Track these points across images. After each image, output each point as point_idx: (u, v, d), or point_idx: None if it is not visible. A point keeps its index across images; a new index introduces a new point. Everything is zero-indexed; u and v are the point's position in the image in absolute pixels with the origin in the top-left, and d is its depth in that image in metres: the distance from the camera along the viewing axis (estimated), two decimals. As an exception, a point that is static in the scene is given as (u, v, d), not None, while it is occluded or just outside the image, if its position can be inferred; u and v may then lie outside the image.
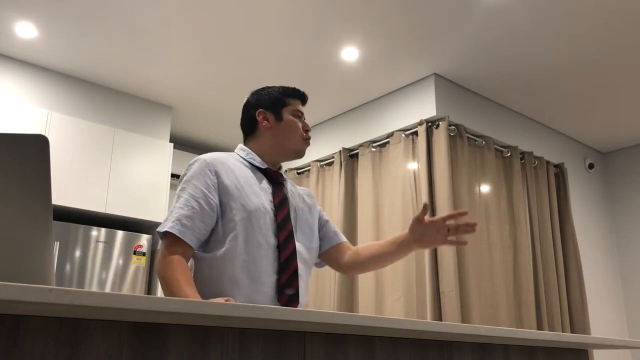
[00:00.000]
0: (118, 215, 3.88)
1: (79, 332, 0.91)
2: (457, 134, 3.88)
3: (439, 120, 3.81)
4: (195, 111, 4.57)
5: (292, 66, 3.83)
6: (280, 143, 1.70)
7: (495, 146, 4.18)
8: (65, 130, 3.79)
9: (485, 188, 3.99)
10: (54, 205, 3.62)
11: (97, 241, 3.71)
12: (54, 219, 3.68)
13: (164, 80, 4.08)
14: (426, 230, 1.64)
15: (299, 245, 1.63)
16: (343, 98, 4.28)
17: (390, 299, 3.68)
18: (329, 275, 4.20)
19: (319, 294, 4.26)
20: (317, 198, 4.52)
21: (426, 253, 3.53)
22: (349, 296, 4.00)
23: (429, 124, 3.87)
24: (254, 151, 1.71)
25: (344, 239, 1.83)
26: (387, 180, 4.01)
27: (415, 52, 3.64)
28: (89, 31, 3.47)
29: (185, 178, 1.58)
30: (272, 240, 1.57)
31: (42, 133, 3.71)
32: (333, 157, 4.48)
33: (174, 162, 4.47)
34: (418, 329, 1.22)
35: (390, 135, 4.08)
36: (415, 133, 3.94)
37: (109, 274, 3.71)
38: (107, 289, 3.69)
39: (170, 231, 1.48)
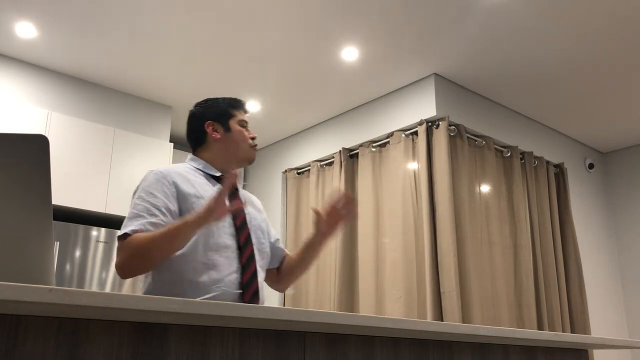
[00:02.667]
0: (118, 215, 3.88)
1: (79, 332, 0.91)
2: (457, 134, 3.88)
3: (439, 120, 3.81)
4: (195, 111, 4.56)
5: (292, 66, 3.83)
6: (230, 152, 1.77)
7: (495, 146, 4.18)
8: (65, 130, 3.79)
9: (485, 188, 3.99)
10: (54, 205, 3.62)
11: (97, 241, 3.70)
12: (54, 219, 3.68)
13: (164, 80, 4.08)
14: (326, 222, 1.73)
15: (254, 247, 1.71)
16: (343, 98, 4.28)
17: (391, 299, 3.68)
18: (329, 275, 4.20)
19: (319, 294, 4.26)
20: (317, 198, 4.52)
21: (426, 253, 3.53)
22: (349, 296, 4.00)
23: (429, 124, 3.87)
24: (205, 161, 1.78)
25: (284, 255, 1.90)
26: (387, 180, 4.01)
27: (415, 52, 3.64)
28: (89, 31, 3.47)
29: (142, 187, 1.62)
30: (232, 242, 1.64)
31: (42, 133, 3.71)
32: (333, 157, 4.48)
33: (174, 162, 4.47)
34: (418, 329, 1.22)
35: (390, 135, 4.08)
36: (415, 133, 3.94)
37: (109, 274, 3.71)
38: (107, 289, 3.69)
39: (138, 229, 1.52)
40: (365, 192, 4.13)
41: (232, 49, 3.63)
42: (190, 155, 1.81)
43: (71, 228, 3.62)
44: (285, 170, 4.92)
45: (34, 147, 0.87)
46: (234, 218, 1.68)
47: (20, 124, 3.60)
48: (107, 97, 4.19)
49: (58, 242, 3.52)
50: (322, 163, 4.61)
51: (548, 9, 3.18)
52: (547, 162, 4.56)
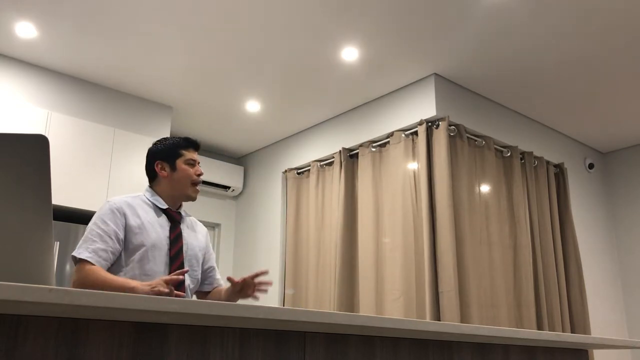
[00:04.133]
0: (118, 215, 3.87)
1: (79, 332, 0.91)
2: (457, 134, 3.88)
3: (439, 120, 3.81)
4: (195, 111, 4.57)
5: (292, 66, 3.83)
6: (175, 189, 2.02)
7: (495, 146, 4.18)
8: (65, 130, 3.79)
9: (485, 188, 3.99)
10: (54, 205, 3.62)
11: (97, 241, 3.69)
12: (54, 219, 3.68)
13: (164, 80, 4.08)
14: (241, 287, 1.95)
15: (185, 275, 1.96)
16: (343, 98, 4.28)
17: (390, 298, 3.68)
18: (329, 276, 4.20)
19: (319, 294, 4.26)
20: (317, 198, 4.52)
21: (426, 253, 3.53)
22: (349, 296, 3.99)
23: (429, 124, 3.87)
24: (157, 193, 2.03)
25: (221, 284, 2.14)
26: (387, 180, 4.01)
27: (415, 52, 3.64)
28: (89, 31, 3.47)
29: (98, 215, 1.90)
30: (165, 269, 1.90)
31: (42, 133, 3.71)
32: (333, 157, 4.48)
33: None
34: (418, 329, 1.22)
35: (390, 135, 4.08)
36: (415, 133, 3.94)
37: (109, 274, 3.71)
38: (107, 289, 3.68)
39: (89, 260, 1.79)
40: (365, 192, 4.12)
41: (232, 48, 3.63)
42: (146, 187, 2.06)
43: (71, 228, 3.61)
44: (285, 170, 4.92)
45: (34, 147, 0.87)
46: (170, 247, 1.94)
47: (20, 124, 3.60)
48: (107, 97, 4.19)
49: (58, 242, 3.52)
50: (322, 163, 4.61)
51: (547, 9, 3.18)
52: (547, 162, 4.56)
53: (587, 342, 1.73)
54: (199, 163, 2.07)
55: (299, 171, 4.83)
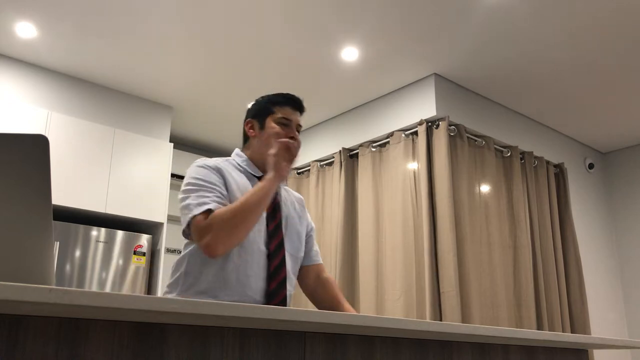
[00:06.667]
0: (118, 215, 3.88)
1: (79, 332, 0.91)
2: (457, 134, 3.88)
3: (439, 120, 3.81)
4: (195, 111, 4.57)
5: (292, 66, 3.83)
6: (262, 151, 1.69)
7: (495, 146, 4.18)
8: (65, 130, 3.79)
9: (485, 188, 3.99)
10: (54, 205, 3.62)
11: (97, 241, 3.70)
12: (54, 219, 3.68)
13: (164, 80, 4.08)
14: None
15: (287, 254, 1.65)
16: (343, 98, 4.28)
17: (390, 299, 3.68)
18: (329, 275, 4.19)
19: (319, 294, 4.25)
20: (317, 198, 4.52)
21: (426, 253, 3.53)
22: (349, 296, 3.99)
23: (429, 124, 3.87)
24: (247, 157, 1.73)
25: (320, 260, 1.82)
26: (387, 180, 4.01)
27: (415, 52, 3.64)
28: (89, 31, 3.47)
29: (191, 177, 1.58)
30: (263, 248, 1.59)
31: (42, 133, 3.71)
32: (333, 157, 4.48)
33: (174, 162, 4.47)
34: (418, 329, 1.22)
35: (390, 135, 4.08)
36: (415, 133, 3.94)
37: (109, 274, 3.71)
38: (107, 289, 3.69)
39: (212, 209, 1.48)
40: (365, 192, 4.12)
41: (232, 49, 3.63)
42: (236, 150, 1.77)
43: (71, 228, 3.62)
44: (285, 170, 4.91)
45: (34, 147, 0.87)
46: (268, 222, 1.63)
47: (20, 124, 3.60)
48: (107, 97, 4.19)
49: (58, 242, 3.52)
50: (322, 163, 4.61)
51: (547, 9, 3.18)
52: (547, 162, 4.56)
53: (587, 342, 1.73)
54: (300, 126, 1.75)
55: (299, 171, 4.83)
